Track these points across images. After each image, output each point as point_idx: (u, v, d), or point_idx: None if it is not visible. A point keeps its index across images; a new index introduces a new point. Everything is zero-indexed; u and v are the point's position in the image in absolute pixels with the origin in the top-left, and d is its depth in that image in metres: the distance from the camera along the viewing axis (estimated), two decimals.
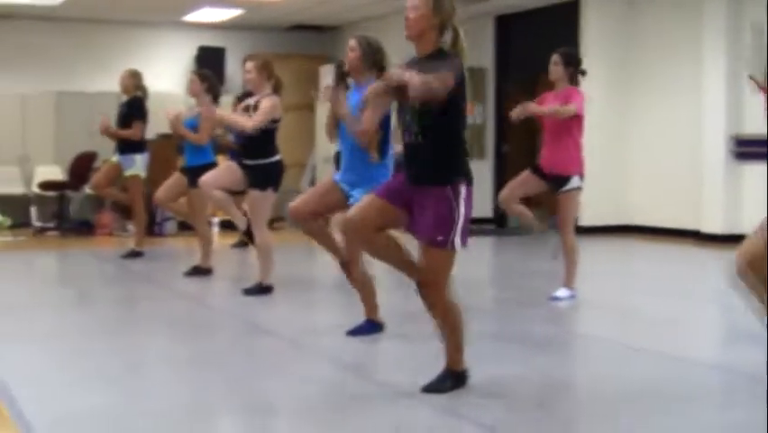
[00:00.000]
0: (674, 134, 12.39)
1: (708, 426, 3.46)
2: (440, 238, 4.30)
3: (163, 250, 11.37)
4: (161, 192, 9.00)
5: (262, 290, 7.49)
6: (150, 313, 7.12)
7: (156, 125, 11.90)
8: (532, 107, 7.11)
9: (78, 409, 4.30)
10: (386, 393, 4.69)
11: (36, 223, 13.54)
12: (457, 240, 4.32)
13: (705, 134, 11.75)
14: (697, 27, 11.90)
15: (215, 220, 12.46)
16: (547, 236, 7.66)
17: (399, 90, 4.30)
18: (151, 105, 10.40)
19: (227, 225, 9.96)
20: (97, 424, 4.11)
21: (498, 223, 14.37)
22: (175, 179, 8.96)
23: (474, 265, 9.85)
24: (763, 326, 4.82)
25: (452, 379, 4.50)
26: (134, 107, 10.04)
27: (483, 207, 14.30)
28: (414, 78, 4.12)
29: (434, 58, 4.36)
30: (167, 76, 14.88)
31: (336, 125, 5.83)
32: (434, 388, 4.45)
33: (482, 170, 14.54)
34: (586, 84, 12.79)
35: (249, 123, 7.27)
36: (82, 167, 13.11)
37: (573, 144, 7.32)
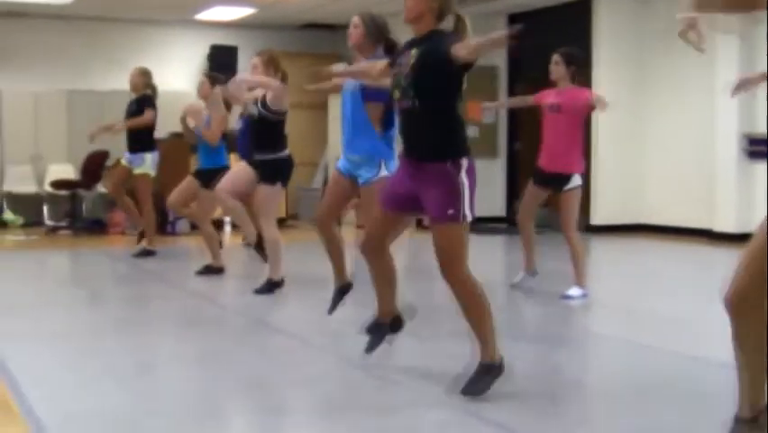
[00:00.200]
0: (687, 133, 12.35)
1: (720, 424, 3.45)
2: (451, 212, 4.30)
3: (176, 249, 11.39)
4: (174, 196, 9.02)
5: (272, 285, 7.48)
6: (162, 312, 7.13)
7: (168, 125, 11.93)
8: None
9: (89, 408, 4.31)
10: (398, 391, 4.68)
11: (48, 222, 13.59)
12: (467, 211, 4.33)
13: (717, 133, 11.70)
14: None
15: (227, 219, 12.47)
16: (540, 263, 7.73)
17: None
18: (163, 104, 10.41)
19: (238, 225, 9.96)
20: (108, 423, 4.11)
21: (510, 221, 14.34)
22: (188, 183, 8.97)
23: (486, 264, 9.83)
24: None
25: (488, 375, 4.38)
26: (144, 104, 10.04)
27: (495, 206, 14.30)
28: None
29: (429, 38, 4.38)
30: (179, 74, 14.90)
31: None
32: (472, 390, 4.34)
33: (494, 168, 14.54)
34: (597, 82, 12.86)
35: (273, 83, 7.28)
36: (94, 165, 13.14)
37: (575, 143, 7.35)
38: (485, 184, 14.21)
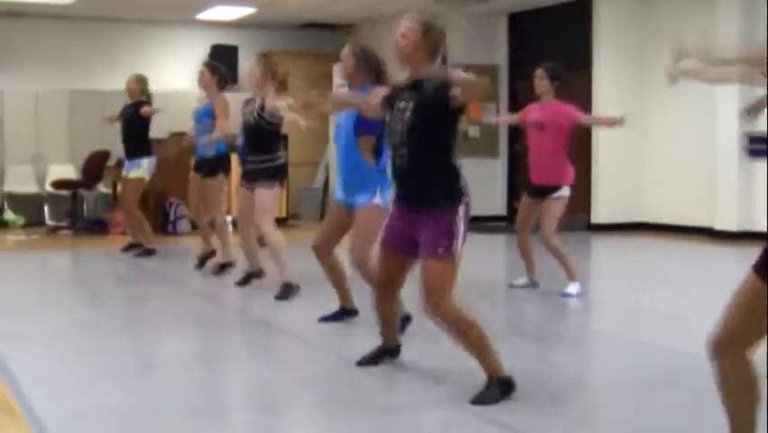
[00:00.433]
0: (687, 132, 12.35)
1: (720, 421, 3.45)
2: (440, 250, 4.30)
3: (177, 248, 11.39)
4: (192, 210, 9.05)
5: (288, 288, 7.39)
6: (163, 311, 7.13)
7: (168, 125, 11.95)
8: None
9: (90, 408, 4.31)
10: (399, 391, 4.69)
11: (49, 222, 13.59)
12: (458, 249, 4.33)
13: (718, 132, 11.70)
14: (710, 25, 11.84)
15: (229, 219, 12.47)
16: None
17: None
18: (164, 104, 10.42)
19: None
20: (109, 422, 4.11)
21: (510, 220, 14.35)
22: (194, 189, 9.03)
23: (486, 263, 9.84)
24: None
25: (500, 387, 4.35)
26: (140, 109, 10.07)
27: (495, 206, 14.31)
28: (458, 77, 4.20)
29: (423, 85, 4.34)
30: (180, 74, 14.90)
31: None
32: (483, 400, 4.31)
33: (495, 168, 14.55)
34: (598, 82, 12.86)
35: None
36: (95, 166, 13.15)
37: (560, 156, 7.45)
38: (485, 184, 14.33)
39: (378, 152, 5.77)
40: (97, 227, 13.00)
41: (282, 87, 7.53)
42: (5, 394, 4.51)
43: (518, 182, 14.04)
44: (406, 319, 5.75)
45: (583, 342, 6.31)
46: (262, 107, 7.40)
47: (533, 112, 7.54)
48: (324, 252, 6.12)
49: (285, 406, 4.58)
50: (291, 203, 14.34)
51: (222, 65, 9.23)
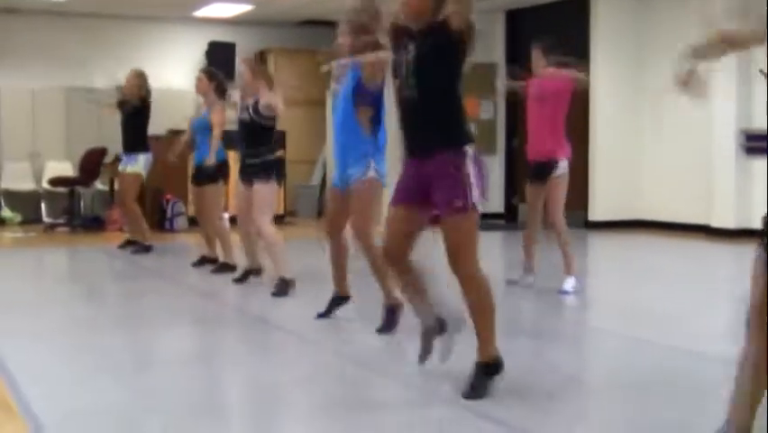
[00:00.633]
0: (685, 129, 12.36)
1: (717, 418, 3.45)
2: (458, 203, 4.23)
3: (174, 245, 11.39)
4: (200, 217, 9.05)
5: (284, 283, 7.38)
6: (160, 309, 7.12)
7: (166, 122, 11.94)
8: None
9: (87, 405, 4.30)
10: (396, 388, 4.69)
11: (46, 219, 13.58)
12: (476, 200, 4.25)
13: (715, 130, 11.72)
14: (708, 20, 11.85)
15: (226, 216, 12.46)
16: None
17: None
18: (161, 101, 10.42)
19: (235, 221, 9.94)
20: (106, 420, 4.10)
21: (508, 218, 14.37)
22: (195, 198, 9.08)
23: (484, 259, 9.84)
24: None
25: (486, 375, 4.34)
26: (140, 106, 10.07)
27: (493, 202, 14.31)
28: None
29: (428, 30, 4.27)
30: (177, 71, 14.89)
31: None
32: (474, 393, 4.29)
33: (493, 165, 14.54)
34: (595, 78, 12.85)
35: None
36: (92, 163, 13.14)
37: (558, 129, 7.44)
38: None
39: (375, 124, 5.76)
40: (94, 225, 13.00)
41: (270, 82, 7.57)
42: (2, 392, 4.50)
43: (517, 179, 14.05)
44: (392, 312, 5.73)
45: (581, 339, 6.31)
46: (256, 105, 7.43)
47: (533, 86, 7.54)
48: (334, 232, 6.06)
49: (282, 403, 4.58)
50: (288, 200, 14.34)
51: (218, 70, 9.22)
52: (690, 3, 12.31)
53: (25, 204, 13.94)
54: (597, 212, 12.96)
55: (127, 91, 10.12)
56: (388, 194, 5.97)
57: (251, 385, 4.81)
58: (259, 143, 7.52)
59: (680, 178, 12.40)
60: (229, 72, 12.04)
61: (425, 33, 4.28)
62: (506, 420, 4.04)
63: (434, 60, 4.28)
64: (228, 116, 8.66)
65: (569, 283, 7.34)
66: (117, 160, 13.36)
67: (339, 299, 6.32)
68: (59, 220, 13.26)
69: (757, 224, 9.16)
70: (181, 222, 12.77)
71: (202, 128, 8.74)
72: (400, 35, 4.44)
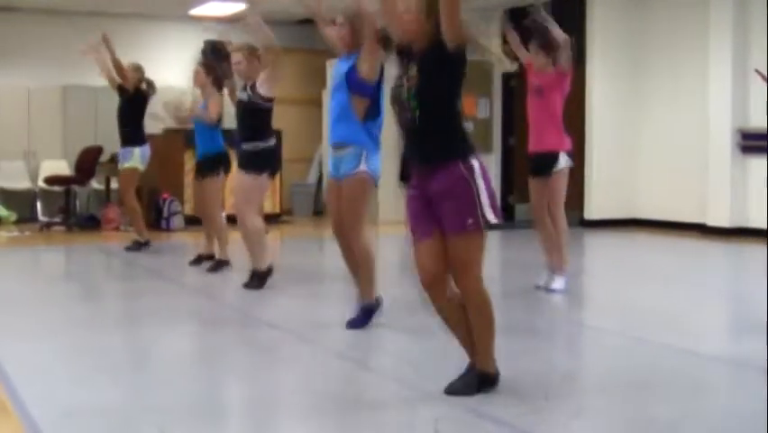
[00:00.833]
0: (680, 128, 12.38)
1: (712, 416, 3.46)
2: (470, 222, 4.21)
3: (171, 244, 11.39)
4: (198, 209, 9.04)
5: (260, 277, 7.45)
6: (156, 307, 7.12)
7: (163, 120, 11.90)
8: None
9: (84, 405, 4.30)
10: (393, 387, 4.69)
11: (42, 218, 13.56)
12: (488, 215, 4.24)
13: (711, 128, 11.73)
14: (703, 21, 11.87)
15: (223, 214, 12.46)
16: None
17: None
18: (157, 99, 10.39)
19: (232, 220, 9.96)
20: (103, 420, 4.10)
21: (505, 217, 14.36)
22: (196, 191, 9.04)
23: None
24: None
25: (480, 381, 4.36)
26: (139, 98, 10.08)
27: None
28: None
29: (427, 49, 4.27)
30: (173, 69, 14.86)
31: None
32: (457, 389, 4.33)
33: (489, 163, 14.53)
34: (591, 76, 12.86)
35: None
36: (88, 161, 13.12)
37: (557, 122, 7.42)
38: None
39: (372, 113, 5.78)
40: (90, 223, 12.98)
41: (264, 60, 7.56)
42: None
43: (513, 177, 14.06)
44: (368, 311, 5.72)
45: (576, 337, 6.32)
46: (254, 86, 7.39)
47: (533, 76, 7.52)
48: (342, 232, 5.99)
49: (280, 402, 4.58)
50: (284, 199, 14.32)
51: (215, 62, 9.21)
52: (686, 2, 12.35)
53: (21, 203, 13.92)
54: (592, 211, 12.97)
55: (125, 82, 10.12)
56: (384, 194, 6.02)
57: (249, 384, 4.81)
58: (254, 127, 7.45)
59: (675, 177, 12.41)
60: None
61: (425, 54, 4.27)
62: (502, 419, 4.05)
63: (436, 80, 4.26)
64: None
65: (558, 282, 7.34)
66: (113, 159, 13.37)
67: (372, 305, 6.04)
68: (55, 219, 13.24)
69: (753, 223, 9.32)
70: (178, 221, 12.75)
71: (201, 121, 8.73)
72: (400, 56, 4.43)
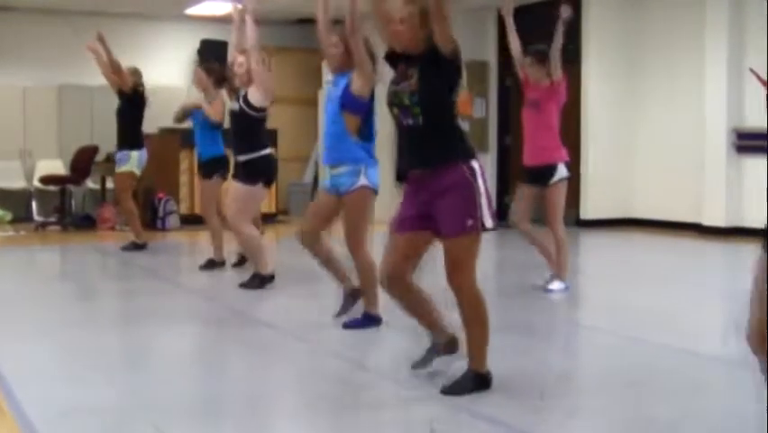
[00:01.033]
0: (676, 128, 12.39)
1: (708, 416, 3.47)
2: (470, 223, 4.24)
3: (166, 244, 11.37)
4: (208, 213, 8.90)
5: (261, 280, 7.49)
6: (153, 307, 7.11)
7: (158, 120, 11.91)
8: None
9: (80, 404, 4.29)
10: (388, 386, 4.69)
11: (37, 217, 13.54)
12: (487, 219, 4.27)
13: (707, 127, 11.74)
14: (699, 21, 11.88)
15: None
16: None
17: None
18: (153, 99, 10.39)
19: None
20: (99, 419, 4.09)
21: (501, 216, 14.35)
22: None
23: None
24: None
25: (474, 381, 4.38)
26: (134, 102, 10.08)
27: None
28: None
29: (424, 54, 4.31)
30: (169, 69, 14.87)
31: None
32: (453, 389, 4.35)
33: (485, 163, 14.46)
34: (587, 77, 12.87)
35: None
36: (84, 161, 13.11)
37: (553, 134, 7.43)
38: None
39: (365, 134, 5.82)
40: (85, 223, 12.97)
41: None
42: None
43: (509, 177, 14.05)
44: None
45: (572, 337, 6.32)
46: (246, 96, 7.39)
47: (530, 90, 7.52)
48: (308, 241, 6.09)
49: (275, 401, 4.58)
50: (280, 198, 14.33)
51: (216, 64, 9.22)
52: (682, 2, 12.35)
53: (16, 202, 13.90)
54: (588, 210, 12.97)
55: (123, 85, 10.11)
56: (380, 194, 6.03)
57: (245, 384, 4.81)
58: (247, 138, 7.45)
59: (671, 176, 12.41)
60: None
61: (423, 59, 4.30)
62: (498, 418, 4.05)
63: (437, 84, 4.30)
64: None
65: (556, 284, 7.36)
66: (109, 158, 13.36)
67: (352, 294, 6.21)
68: (51, 219, 13.23)
69: (748, 222, 9.31)
70: (173, 220, 12.74)
71: (203, 125, 8.73)
72: (399, 63, 4.45)
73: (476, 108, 14.42)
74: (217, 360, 5.48)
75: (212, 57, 13.93)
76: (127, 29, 14.86)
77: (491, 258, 9.85)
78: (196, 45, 15.26)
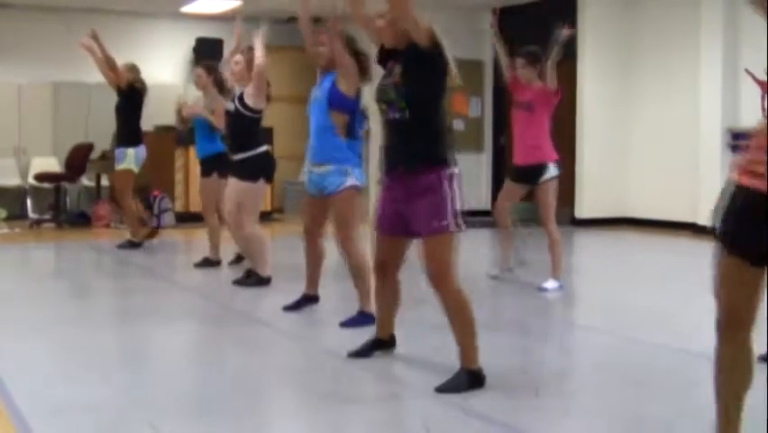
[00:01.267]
0: (672, 127, 12.40)
1: (704, 415, 3.47)
2: (440, 223, 4.33)
3: (161, 242, 11.34)
4: (207, 211, 8.89)
5: (258, 279, 7.53)
6: (148, 305, 7.10)
7: (153, 117, 11.89)
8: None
9: (74, 402, 4.29)
10: (382, 383, 4.69)
11: (32, 215, 13.51)
12: (456, 222, 4.36)
13: (702, 127, 11.75)
14: (694, 21, 11.89)
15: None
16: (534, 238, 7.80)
17: None
18: (149, 97, 10.37)
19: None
20: (93, 417, 4.09)
21: (493, 213, 14.36)
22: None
23: (470, 257, 9.85)
24: None
25: (467, 378, 4.42)
26: (132, 98, 10.07)
27: (480, 200, 14.31)
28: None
29: (407, 49, 4.41)
30: (165, 67, 14.84)
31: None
32: (448, 388, 4.37)
33: (480, 162, 14.56)
34: (582, 76, 12.88)
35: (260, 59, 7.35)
36: (79, 158, 13.09)
37: (544, 134, 7.49)
38: (470, 178, 14.29)
39: (351, 133, 5.91)
40: (80, 220, 12.94)
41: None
42: None
43: (504, 176, 14.06)
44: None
45: (567, 336, 6.33)
46: (242, 96, 7.39)
47: (521, 92, 7.56)
48: (312, 236, 6.29)
49: (270, 398, 4.58)
50: (276, 197, 14.31)
51: (216, 63, 9.21)
52: (677, 2, 12.37)
53: (11, 200, 13.87)
54: (584, 210, 12.99)
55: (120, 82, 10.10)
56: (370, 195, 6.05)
57: (239, 380, 4.80)
58: (243, 137, 7.46)
59: (666, 176, 12.43)
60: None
61: (405, 54, 4.42)
62: (492, 416, 4.06)
63: (420, 79, 4.39)
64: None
65: (550, 283, 7.40)
66: (104, 156, 13.34)
67: (309, 298, 6.50)
68: (45, 216, 13.20)
69: None
70: (168, 218, 12.73)
71: (202, 124, 8.72)
72: (387, 58, 4.58)
73: (471, 108, 14.44)
74: (213, 358, 5.48)
75: (207, 55, 13.99)
76: (122, 26, 14.84)
77: (487, 256, 9.85)
78: (192, 43, 15.24)
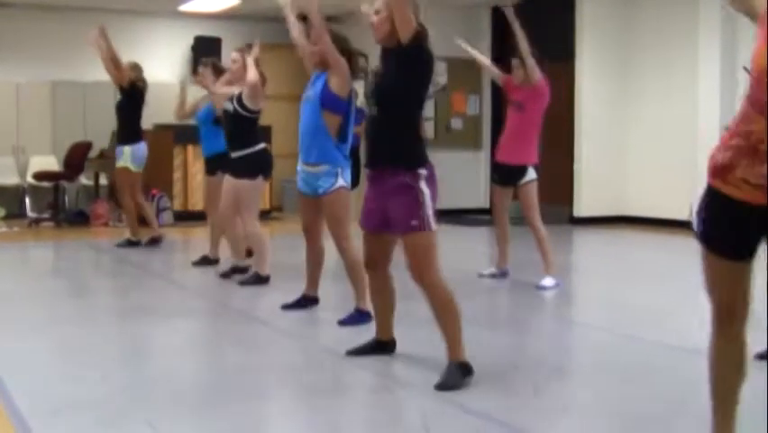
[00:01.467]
0: (670, 125, 12.42)
1: (702, 413, 3.47)
2: (414, 222, 4.42)
3: None
4: (210, 209, 8.86)
5: (258, 277, 7.55)
6: (146, 304, 7.11)
7: (152, 116, 11.89)
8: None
9: (73, 401, 4.29)
10: (380, 381, 4.70)
11: (31, 213, 13.52)
12: (432, 219, 4.46)
13: (700, 125, 11.76)
14: (692, 19, 11.90)
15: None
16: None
17: None
18: (147, 95, 10.38)
19: None
20: (92, 415, 4.09)
21: (492, 213, 14.37)
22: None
23: (468, 255, 9.87)
24: None
25: (459, 371, 4.45)
26: (134, 96, 10.08)
27: (477, 198, 14.34)
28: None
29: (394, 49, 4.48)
30: (163, 66, 14.84)
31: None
32: (447, 385, 4.39)
33: (478, 160, 14.58)
34: (580, 74, 12.88)
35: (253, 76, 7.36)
36: (77, 157, 13.09)
37: (532, 137, 7.63)
38: (468, 176, 14.36)
39: (342, 136, 5.95)
40: (79, 219, 12.94)
41: (263, 77, 7.59)
42: None
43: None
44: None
45: (565, 334, 6.33)
46: (240, 96, 7.40)
47: (514, 92, 7.69)
48: (312, 234, 6.33)
49: (268, 395, 4.58)
50: (274, 195, 14.31)
51: (218, 60, 9.22)
52: (674, 1, 12.37)
53: (9, 198, 13.88)
54: (582, 208, 13.00)
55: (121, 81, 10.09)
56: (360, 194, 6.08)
57: (238, 378, 4.81)
58: (241, 136, 7.48)
59: (664, 174, 12.44)
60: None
61: (387, 53, 4.52)
62: (489, 413, 4.06)
63: (395, 79, 4.46)
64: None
65: (547, 280, 7.44)
66: (103, 154, 13.35)
67: (308, 300, 6.52)
68: (44, 215, 13.20)
69: None
70: (167, 217, 12.73)
71: (206, 119, 8.71)
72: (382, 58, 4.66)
73: (470, 105, 14.46)
74: (211, 356, 5.48)
75: (206, 53, 14.00)
76: (121, 25, 14.80)
77: (484, 255, 9.86)
78: (190, 42, 15.24)
